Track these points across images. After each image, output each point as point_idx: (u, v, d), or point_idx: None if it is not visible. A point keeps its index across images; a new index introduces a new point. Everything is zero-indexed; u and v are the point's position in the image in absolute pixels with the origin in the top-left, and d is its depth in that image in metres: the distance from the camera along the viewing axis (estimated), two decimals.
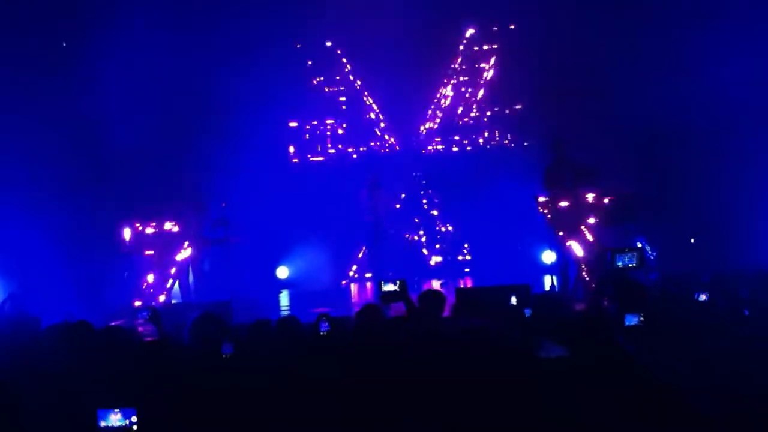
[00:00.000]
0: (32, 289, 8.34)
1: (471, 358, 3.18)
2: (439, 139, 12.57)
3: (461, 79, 12.47)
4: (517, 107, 12.09)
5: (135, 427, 3.00)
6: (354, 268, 12.00)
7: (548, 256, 10.20)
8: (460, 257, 12.21)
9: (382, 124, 12.69)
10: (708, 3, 9.67)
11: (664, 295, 5.55)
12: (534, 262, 10.65)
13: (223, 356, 4.00)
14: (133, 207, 9.74)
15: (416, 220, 12.51)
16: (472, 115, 12.47)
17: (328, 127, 12.63)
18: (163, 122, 10.02)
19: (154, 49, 9.84)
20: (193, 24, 10.49)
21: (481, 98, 12.42)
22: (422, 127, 12.59)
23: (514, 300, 5.69)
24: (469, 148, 12.44)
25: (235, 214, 10.39)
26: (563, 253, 8.57)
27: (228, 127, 10.59)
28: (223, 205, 10.39)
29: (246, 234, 10.57)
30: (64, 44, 10.09)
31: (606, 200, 8.37)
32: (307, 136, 12.61)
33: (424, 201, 12.58)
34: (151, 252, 9.43)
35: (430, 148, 12.61)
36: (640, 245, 8.07)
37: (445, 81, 12.51)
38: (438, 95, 12.51)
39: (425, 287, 8.66)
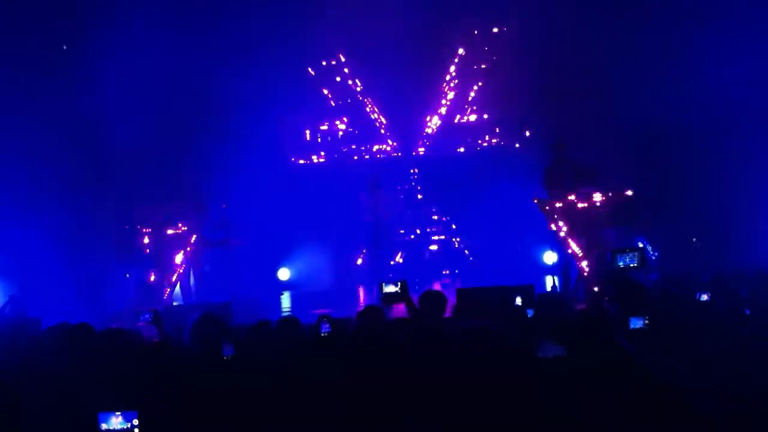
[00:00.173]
0: (32, 289, 8.36)
1: (471, 358, 3.18)
2: (439, 140, 12.57)
3: (461, 79, 12.47)
4: (517, 108, 12.08)
5: (136, 430, 2.99)
6: (359, 262, 11.99)
7: (549, 257, 10.20)
8: (460, 258, 12.20)
9: (383, 127, 12.68)
10: (708, 3, 9.67)
11: (665, 295, 5.54)
12: (535, 263, 10.65)
13: (224, 358, 3.99)
14: (133, 207, 9.74)
15: (416, 221, 12.51)
16: (472, 116, 12.47)
17: (328, 127, 12.63)
18: (163, 122, 10.02)
19: (154, 49, 9.85)
20: (193, 24, 10.49)
21: (481, 99, 12.41)
22: (427, 127, 12.59)
23: (519, 300, 5.67)
24: (463, 149, 12.42)
25: (235, 215, 10.38)
26: (564, 254, 8.57)
27: (228, 127, 10.59)
28: (224, 206, 10.39)
29: (246, 235, 10.57)
30: (65, 47, 10.08)
31: (606, 200, 8.36)
32: (308, 136, 12.61)
33: (424, 201, 12.58)
34: (152, 253, 9.44)
35: (423, 149, 12.59)
36: (641, 245, 8.06)
37: (446, 82, 12.50)
38: (439, 96, 12.51)
39: (426, 288, 8.64)
